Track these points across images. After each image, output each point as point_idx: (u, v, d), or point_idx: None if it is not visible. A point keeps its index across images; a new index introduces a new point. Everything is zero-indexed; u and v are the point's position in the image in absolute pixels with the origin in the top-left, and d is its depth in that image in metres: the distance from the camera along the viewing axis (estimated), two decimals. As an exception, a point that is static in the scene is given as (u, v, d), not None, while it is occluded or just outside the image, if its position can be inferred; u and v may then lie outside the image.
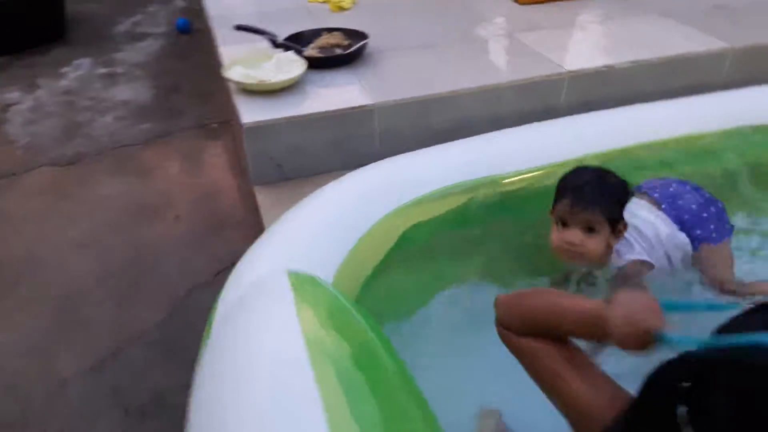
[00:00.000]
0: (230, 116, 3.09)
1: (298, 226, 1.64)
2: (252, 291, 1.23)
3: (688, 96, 2.36)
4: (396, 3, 3.48)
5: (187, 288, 2.33)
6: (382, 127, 2.51)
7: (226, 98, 3.04)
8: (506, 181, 1.88)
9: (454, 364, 1.59)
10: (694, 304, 0.99)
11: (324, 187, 1.86)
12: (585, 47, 2.89)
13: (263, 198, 2.39)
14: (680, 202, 1.71)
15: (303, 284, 1.21)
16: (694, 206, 1.70)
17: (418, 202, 1.81)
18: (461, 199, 1.86)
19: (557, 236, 1.52)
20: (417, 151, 2.04)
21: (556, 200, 1.53)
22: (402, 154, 2.05)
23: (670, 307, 0.96)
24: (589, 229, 1.48)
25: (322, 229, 1.62)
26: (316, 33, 2.88)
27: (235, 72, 2.50)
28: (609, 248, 1.59)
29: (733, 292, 1.62)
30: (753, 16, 3.18)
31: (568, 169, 1.59)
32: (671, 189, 1.77)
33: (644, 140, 2.00)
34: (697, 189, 1.79)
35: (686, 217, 1.70)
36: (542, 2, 3.37)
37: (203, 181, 2.92)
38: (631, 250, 1.62)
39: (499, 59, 2.85)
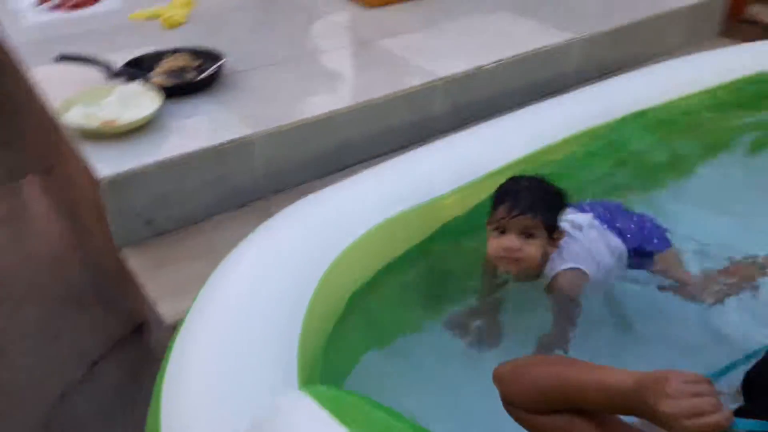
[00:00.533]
0: (55, 163, 2.57)
1: (231, 313, 1.33)
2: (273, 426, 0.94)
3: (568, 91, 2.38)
4: (234, 14, 3.14)
5: (59, 391, 1.86)
6: (263, 159, 2.21)
7: (42, 140, 2.53)
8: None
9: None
10: (735, 362, 0.94)
11: (239, 250, 1.55)
12: (447, 50, 2.82)
13: (136, 262, 1.99)
14: (618, 224, 1.71)
15: (336, 404, 0.96)
16: (632, 226, 1.71)
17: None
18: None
19: (495, 243, 1.49)
20: (330, 189, 1.80)
21: (494, 208, 1.50)
22: (310, 198, 1.79)
23: (717, 375, 0.94)
24: (527, 235, 1.47)
25: (263, 311, 1.33)
26: (158, 56, 2.47)
27: (74, 115, 2.04)
28: (546, 256, 1.56)
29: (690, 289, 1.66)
30: (582, 4, 3.35)
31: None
32: (602, 210, 1.77)
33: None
34: (624, 211, 1.82)
35: (628, 236, 1.70)
36: (390, 3, 3.25)
37: (39, 250, 2.38)
38: (563, 259, 1.58)
39: (369, 71, 2.67)
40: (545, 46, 2.85)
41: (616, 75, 3.08)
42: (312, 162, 2.34)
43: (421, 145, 2.05)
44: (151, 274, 1.94)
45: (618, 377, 0.92)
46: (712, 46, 3.55)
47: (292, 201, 1.76)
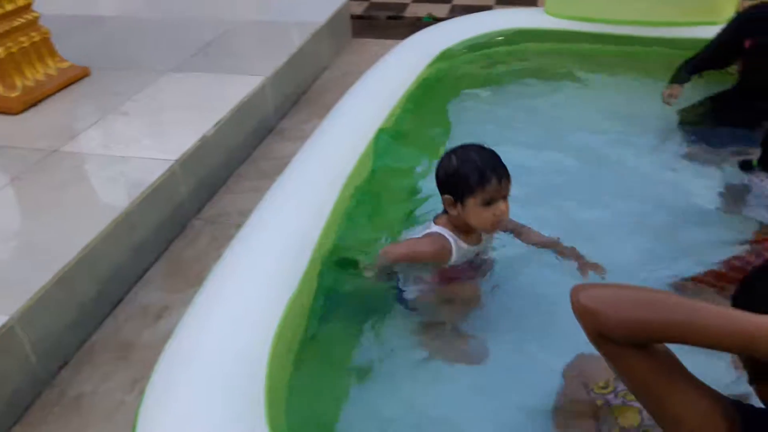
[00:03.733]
0: None
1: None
2: None
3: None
4: None
5: None
6: (30, 343, 1.66)
7: None
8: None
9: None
10: None
11: None
12: (157, 131, 2.51)
13: None
14: None
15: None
16: None
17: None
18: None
19: (488, 214, 1.50)
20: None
21: (479, 185, 1.48)
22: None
23: None
24: (505, 197, 1.52)
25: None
26: None
27: None
28: None
29: None
30: (247, 47, 3.32)
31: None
32: None
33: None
34: None
35: None
36: (36, 101, 2.72)
37: None
38: None
39: (94, 185, 2.21)
40: (247, 95, 2.74)
41: (300, 104, 3.21)
42: (85, 315, 1.85)
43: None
44: None
45: (750, 317, 0.87)
46: (355, 47, 3.93)
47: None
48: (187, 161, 2.32)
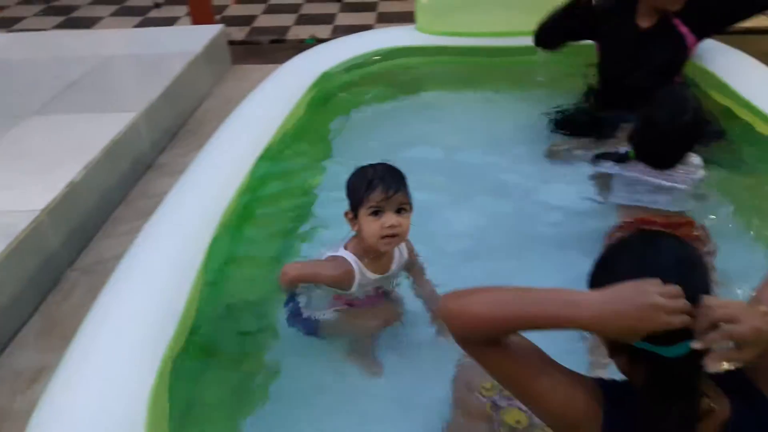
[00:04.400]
0: None
1: None
2: None
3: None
4: None
5: None
6: None
7: None
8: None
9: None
10: None
11: None
12: (19, 178, 2.34)
13: None
14: None
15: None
16: None
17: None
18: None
19: (377, 225, 1.49)
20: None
21: (365, 194, 1.50)
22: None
23: None
24: (400, 211, 1.52)
25: None
26: None
27: None
28: None
29: None
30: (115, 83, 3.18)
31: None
32: None
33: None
34: None
35: None
36: None
37: None
38: None
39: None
40: (118, 133, 2.63)
41: (180, 137, 3.12)
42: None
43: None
44: None
45: (585, 296, 0.93)
46: (237, 74, 3.86)
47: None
48: (56, 209, 2.18)
